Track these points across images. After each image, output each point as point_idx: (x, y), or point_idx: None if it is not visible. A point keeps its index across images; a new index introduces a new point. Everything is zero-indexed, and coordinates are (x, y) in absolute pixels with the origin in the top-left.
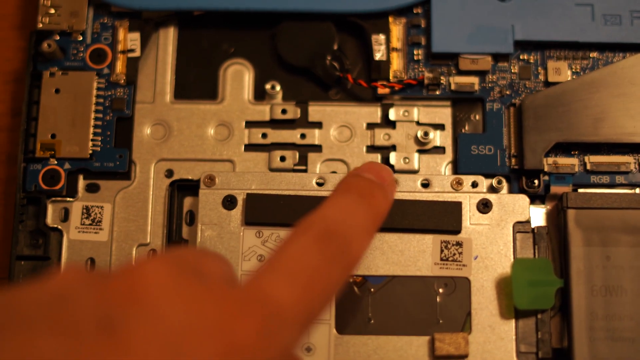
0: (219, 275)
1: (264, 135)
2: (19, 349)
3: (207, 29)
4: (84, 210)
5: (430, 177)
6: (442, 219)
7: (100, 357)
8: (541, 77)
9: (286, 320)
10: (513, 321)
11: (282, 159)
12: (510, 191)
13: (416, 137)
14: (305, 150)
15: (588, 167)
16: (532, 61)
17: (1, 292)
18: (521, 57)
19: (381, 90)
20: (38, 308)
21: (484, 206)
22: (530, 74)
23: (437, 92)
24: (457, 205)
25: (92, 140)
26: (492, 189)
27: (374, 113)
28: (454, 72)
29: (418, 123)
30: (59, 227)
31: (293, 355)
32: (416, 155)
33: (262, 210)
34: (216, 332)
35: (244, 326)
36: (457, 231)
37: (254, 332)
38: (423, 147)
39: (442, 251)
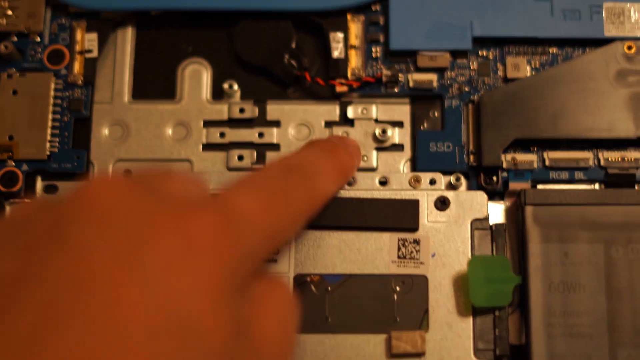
0: (181, 195)
1: (222, 135)
2: None
3: (164, 29)
4: None
5: (388, 174)
6: (399, 217)
7: (49, 261)
8: (500, 74)
9: (248, 223)
10: (471, 318)
11: (240, 158)
12: (469, 188)
13: (374, 134)
14: (264, 149)
15: (547, 163)
16: (491, 57)
17: None
18: (480, 54)
19: (339, 89)
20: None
21: (442, 203)
22: (489, 70)
23: (396, 90)
24: (414, 203)
25: (49, 141)
26: (451, 186)
27: (333, 111)
28: (412, 69)
29: (376, 121)
30: None
31: (259, 269)
32: (374, 153)
33: None
34: (171, 229)
35: (202, 222)
36: (414, 229)
37: (211, 228)
38: (381, 145)
39: (399, 249)
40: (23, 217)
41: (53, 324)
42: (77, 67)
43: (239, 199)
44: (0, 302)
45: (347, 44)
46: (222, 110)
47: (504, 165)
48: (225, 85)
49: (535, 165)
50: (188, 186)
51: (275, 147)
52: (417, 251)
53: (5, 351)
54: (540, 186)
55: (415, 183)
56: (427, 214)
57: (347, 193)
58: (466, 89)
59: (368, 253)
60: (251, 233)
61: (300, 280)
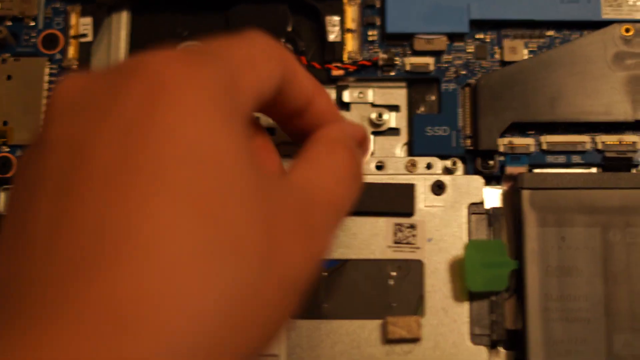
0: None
1: None
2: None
3: (160, 13)
4: None
5: (384, 159)
6: (395, 202)
7: (100, 126)
8: (497, 57)
9: (207, 53)
10: (467, 303)
11: None
12: (466, 172)
13: (370, 118)
14: None
15: (544, 147)
16: (488, 40)
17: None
18: (477, 37)
19: (335, 72)
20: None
21: (438, 188)
22: (486, 53)
23: (392, 73)
24: (410, 188)
25: None
26: (447, 171)
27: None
28: (409, 52)
29: (373, 105)
30: None
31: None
32: (371, 137)
33: None
34: (131, 75)
35: (160, 58)
36: (410, 214)
37: (173, 60)
38: (378, 129)
39: (395, 234)
40: (78, 90)
41: (120, 177)
42: (71, 51)
43: (212, 43)
44: (72, 162)
45: (343, 27)
46: None
47: (501, 149)
48: None
49: (532, 149)
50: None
51: (271, 131)
52: (413, 236)
53: (85, 191)
54: (537, 170)
55: (411, 167)
56: (424, 199)
57: None
58: (463, 72)
59: (364, 238)
60: (227, 68)
61: None
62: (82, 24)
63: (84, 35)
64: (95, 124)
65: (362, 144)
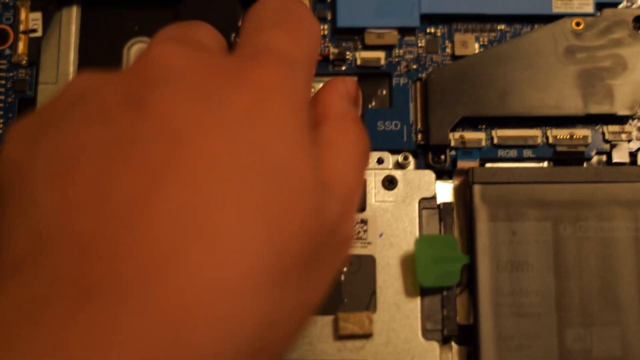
0: (216, 45)
1: None
2: (56, 143)
3: (110, 8)
4: None
5: None
6: None
7: (133, 128)
8: (448, 51)
9: (295, 63)
10: (418, 299)
11: None
12: (417, 167)
13: None
14: None
15: (495, 141)
16: (439, 35)
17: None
18: (428, 31)
19: None
20: (61, 109)
21: (389, 182)
22: (437, 47)
23: (343, 68)
24: None
25: None
26: (399, 165)
27: None
28: (360, 47)
29: None
30: None
31: (331, 113)
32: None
33: None
34: (240, 80)
35: (265, 70)
36: (361, 209)
37: (274, 73)
38: None
39: None
40: (83, 90)
41: (155, 185)
42: (21, 47)
43: (275, 41)
44: (99, 173)
45: None
46: None
47: (452, 143)
48: None
49: (483, 143)
50: (214, 36)
51: None
52: (365, 231)
53: (114, 215)
54: (488, 165)
55: None
56: (375, 194)
57: None
58: (414, 66)
59: None
60: (300, 71)
61: None
62: (31, 19)
63: (34, 31)
64: (200, 113)
65: (357, 100)
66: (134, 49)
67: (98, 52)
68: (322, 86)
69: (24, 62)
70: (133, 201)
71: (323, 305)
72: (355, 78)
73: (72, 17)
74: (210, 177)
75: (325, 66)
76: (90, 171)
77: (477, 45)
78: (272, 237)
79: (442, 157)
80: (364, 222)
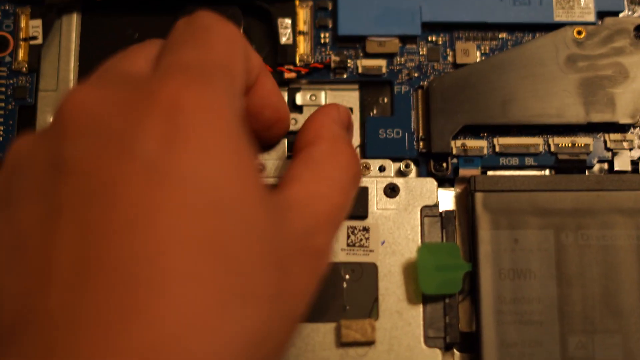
0: (144, 68)
1: None
2: (5, 226)
3: (110, 15)
4: None
5: None
6: None
7: (65, 195)
8: (450, 59)
9: (208, 69)
10: (421, 306)
11: None
12: (419, 175)
13: None
14: None
15: (497, 149)
16: (440, 43)
17: None
18: (429, 39)
19: (287, 75)
20: (3, 185)
21: (391, 190)
22: (439, 55)
23: (344, 76)
24: (363, 191)
25: None
26: (400, 173)
27: None
28: (361, 55)
29: None
30: None
31: (320, 133)
32: None
33: None
34: (149, 108)
35: (171, 86)
36: (363, 216)
37: (182, 85)
38: None
39: (348, 237)
40: (21, 159)
41: (91, 247)
42: (21, 54)
43: (181, 56)
44: (39, 250)
45: (295, 30)
46: None
47: (454, 151)
48: None
49: (485, 151)
50: (146, 57)
51: None
52: (367, 239)
53: (62, 295)
54: (490, 172)
55: (364, 170)
56: (377, 202)
57: None
58: (415, 74)
59: None
60: (218, 76)
61: None
62: (31, 26)
63: (34, 38)
64: (115, 159)
65: (350, 128)
66: None
67: (98, 59)
68: (316, 111)
69: (24, 69)
70: (76, 271)
71: (325, 312)
72: (357, 86)
73: (72, 24)
74: (141, 226)
75: (327, 74)
76: (37, 249)
77: (478, 54)
78: (219, 260)
79: (444, 165)
80: (366, 229)
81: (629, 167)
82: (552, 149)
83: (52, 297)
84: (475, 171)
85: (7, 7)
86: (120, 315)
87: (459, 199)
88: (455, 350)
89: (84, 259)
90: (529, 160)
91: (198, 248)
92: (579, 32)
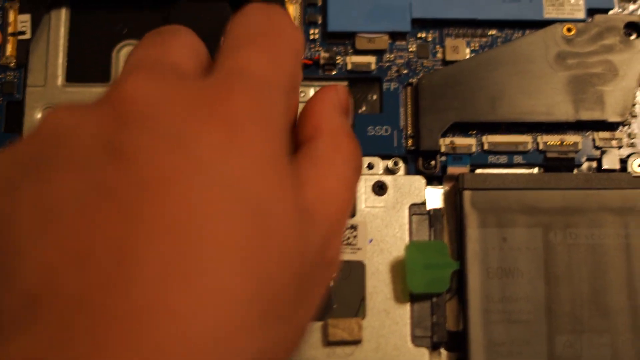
0: (192, 65)
1: None
2: (38, 193)
3: (99, 10)
4: None
5: None
6: None
7: (111, 177)
8: (439, 56)
9: (270, 85)
10: (408, 305)
11: None
12: (408, 172)
13: None
14: None
15: (486, 147)
16: (430, 39)
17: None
18: (419, 36)
19: None
20: (39, 152)
21: (380, 188)
22: (428, 52)
23: (334, 72)
24: None
25: None
26: (389, 171)
27: None
28: (350, 51)
29: None
30: None
31: (321, 127)
32: None
33: None
34: (211, 116)
35: (235, 100)
36: (351, 215)
37: (246, 102)
38: None
39: None
40: (58, 131)
41: (135, 238)
42: (9, 49)
43: (249, 62)
44: (82, 227)
45: None
46: None
47: (443, 149)
48: None
49: (473, 149)
50: (191, 50)
51: None
52: (355, 237)
53: (99, 273)
54: (478, 170)
55: None
56: (365, 199)
57: None
58: (405, 71)
59: None
60: (277, 92)
61: None
62: (20, 21)
63: (22, 33)
64: (174, 157)
65: (349, 109)
66: (123, 52)
67: (87, 55)
68: (314, 95)
69: (12, 64)
70: (115, 257)
71: None
72: (346, 83)
73: (61, 20)
74: (188, 226)
75: (316, 70)
76: (74, 225)
77: (468, 51)
78: (256, 279)
79: (433, 162)
80: (353, 227)
81: (617, 166)
82: (541, 147)
83: (82, 279)
84: (463, 169)
85: None
86: (149, 315)
87: (447, 196)
88: (442, 350)
89: (125, 249)
90: (518, 159)
91: (239, 265)
92: (569, 30)
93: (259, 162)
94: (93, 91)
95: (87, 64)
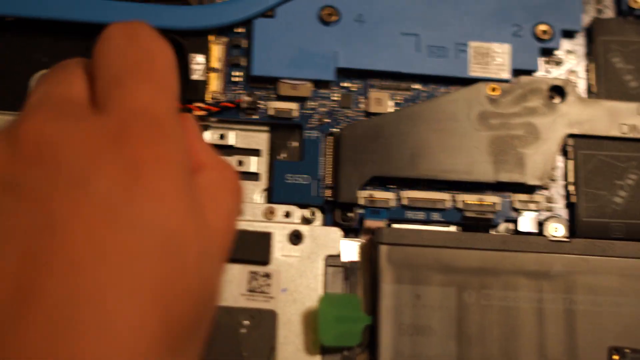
0: (88, 98)
1: None
2: None
3: (19, 37)
4: None
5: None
6: (250, 249)
7: (10, 216)
8: (362, 107)
9: (161, 121)
10: (319, 357)
11: None
12: (325, 223)
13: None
14: None
15: (404, 202)
16: (354, 90)
17: None
18: (343, 85)
19: (197, 112)
20: None
21: (296, 237)
22: (351, 102)
23: (255, 117)
24: (266, 236)
25: None
26: (306, 220)
27: None
28: (273, 96)
29: (232, 147)
30: None
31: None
32: None
33: None
34: (112, 154)
35: (136, 141)
36: (265, 262)
37: (147, 141)
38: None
39: (250, 282)
40: None
41: (34, 281)
42: None
43: (139, 99)
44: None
45: (207, 66)
46: None
47: (361, 202)
48: None
49: (392, 203)
50: (83, 80)
51: None
52: (268, 285)
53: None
54: (396, 225)
55: (269, 215)
56: (281, 248)
57: None
58: (327, 120)
59: None
60: (169, 125)
61: None
62: None
63: None
64: (71, 193)
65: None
66: None
67: (5, 83)
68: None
69: None
70: (13, 300)
71: (222, 358)
72: (267, 128)
73: None
74: (93, 266)
75: (237, 114)
76: None
77: (391, 103)
78: (165, 318)
79: (350, 214)
80: (267, 275)
81: (534, 229)
82: (459, 205)
83: None
84: (381, 223)
85: None
86: (47, 350)
87: (363, 250)
88: None
89: (22, 289)
90: (436, 215)
91: (150, 304)
92: (494, 89)
93: (165, 201)
94: (8, 120)
95: (5, 92)
